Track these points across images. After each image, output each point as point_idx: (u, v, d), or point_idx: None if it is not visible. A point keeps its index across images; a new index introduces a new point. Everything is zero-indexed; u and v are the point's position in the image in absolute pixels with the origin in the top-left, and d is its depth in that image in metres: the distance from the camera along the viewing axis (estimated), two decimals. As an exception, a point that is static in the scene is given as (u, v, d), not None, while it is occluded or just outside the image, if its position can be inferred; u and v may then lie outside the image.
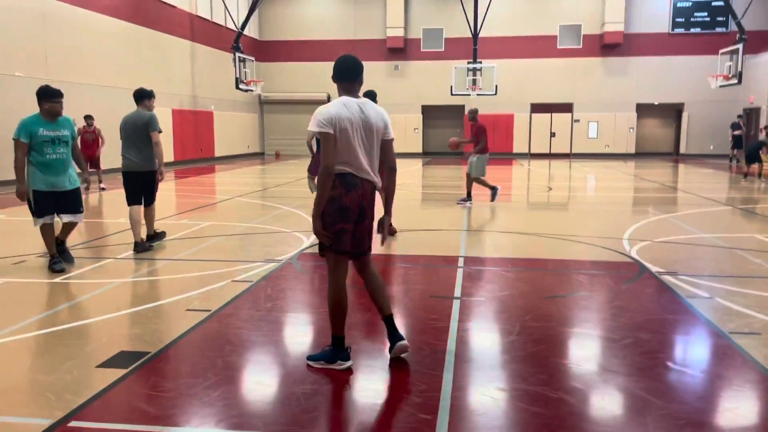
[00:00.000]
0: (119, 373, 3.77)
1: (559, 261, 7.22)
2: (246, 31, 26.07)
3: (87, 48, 18.03)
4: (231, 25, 26.94)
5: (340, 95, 3.90)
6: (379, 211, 4.09)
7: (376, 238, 4.45)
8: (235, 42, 24.39)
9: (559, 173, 21.42)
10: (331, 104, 3.80)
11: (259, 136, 32.40)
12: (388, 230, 4.13)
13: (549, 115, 30.88)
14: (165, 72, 22.66)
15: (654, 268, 6.57)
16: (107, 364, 3.92)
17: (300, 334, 4.71)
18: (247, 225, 9.64)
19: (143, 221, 7.63)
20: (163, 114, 22.30)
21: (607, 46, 29.68)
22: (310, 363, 3.94)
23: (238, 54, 24.16)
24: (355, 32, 31.19)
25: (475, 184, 12.05)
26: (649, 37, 29.71)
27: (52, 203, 6.36)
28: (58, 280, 6.07)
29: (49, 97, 6.25)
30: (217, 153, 26.72)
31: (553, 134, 31.07)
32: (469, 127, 11.79)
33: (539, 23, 30.12)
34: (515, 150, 30.94)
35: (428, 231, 9.27)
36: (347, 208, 3.76)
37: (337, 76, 3.93)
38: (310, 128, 3.74)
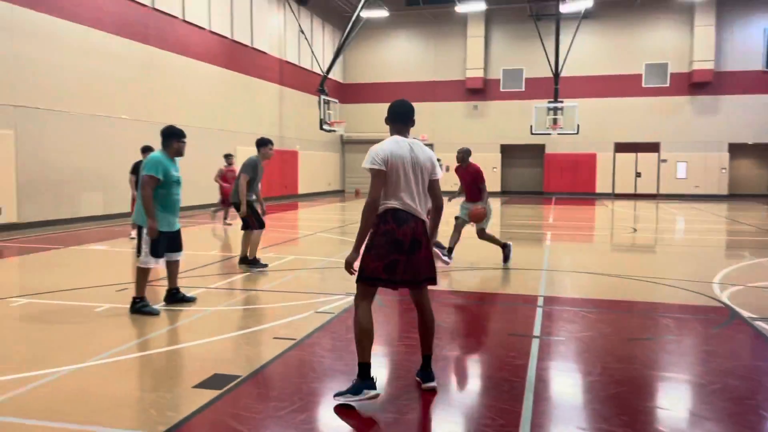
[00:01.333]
0: (213, 393, 4.03)
1: (644, 303, 7.04)
2: (331, 75, 27.15)
3: (185, 92, 19.34)
4: (317, 70, 28.13)
5: (392, 134, 4.15)
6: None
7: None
8: (320, 85, 25.44)
9: (645, 214, 20.74)
10: (384, 142, 4.03)
11: (341, 174, 33.31)
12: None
13: (634, 154, 30.08)
14: (255, 114, 23.88)
15: (746, 314, 6.30)
16: (203, 385, 4.20)
17: (378, 364, 4.86)
18: (328, 259, 9.96)
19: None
20: (251, 153, 23.40)
21: (696, 84, 28.78)
22: (338, 399, 3.92)
23: (323, 96, 25.15)
24: (434, 74, 31.80)
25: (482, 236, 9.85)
26: (742, 75, 28.59)
27: (165, 243, 6.26)
28: (156, 306, 6.51)
29: (178, 136, 6.31)
30: (301, 190, 27.67)
31: (638, 174, 30.18)
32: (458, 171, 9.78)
33: (623, 62, 29.66)
34: (598, 190, 30.26)
35: (506, 269, 9.25)
36: (400, 241, 3.91)
37: (391, 119, 4.17)
38: (364, 165, 3.98)
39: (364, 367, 3.94)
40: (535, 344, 5.26)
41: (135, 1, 16.97)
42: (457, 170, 9.83)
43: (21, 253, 10.57)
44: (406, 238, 3.93)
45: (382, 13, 28.83)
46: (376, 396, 3.92)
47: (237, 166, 12.75)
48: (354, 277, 4.04)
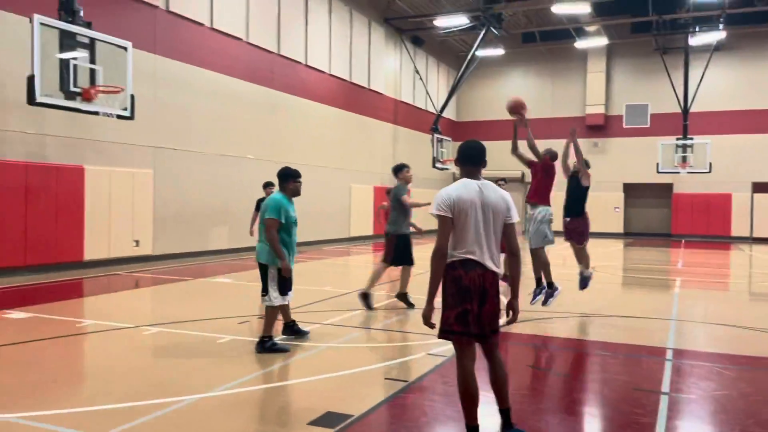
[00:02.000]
0: (327, 432, 4.06)
1: (791, 362, 6.32)
2: (444, 113, 27.39)
3: (306, 132, 20.26)
4: (431, 109, 28.51)
5: (461, 177, 3.98)
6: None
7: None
8: (433, 124, 25.72)
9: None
10: (452, 186, 3.89)
11: (453, 212, 33.21)
12: (515, 316, 3.99)
13: (774, 194, 27.58)
14: (369, 152, 24.52)
15: None
16: (317, 422, 4.24)
17: (489, 413, 4.67)
18: (441, 300, 9.84)
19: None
20: (365, 190, 23.99)
21: None
22: None
23: (436, 135, 25.39)
24: (552, 110, 31.16)
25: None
26: None
27: (290, 282, 6.41)
28: (275, 340, 6.72)
29: (294, 177, 6.46)
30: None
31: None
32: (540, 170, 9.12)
33: (762, 96, 27.53)
34: (734, 233, 27.94)
35: (630, 318, 8.69)
36: (468, 289, 3.74)
37: (461, 160, 4.00)
38: (430, 211, 3.86)
39: (472, 429, 3.79)
40: (663, 402, 4.85)
41: (262, 48, 18.13)
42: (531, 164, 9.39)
43: (154, 284, 11.38)
44: (474, 286, 3.76)
45: (497, 52, 28.85)
46: None
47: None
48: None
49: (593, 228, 26.40)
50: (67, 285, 10.87)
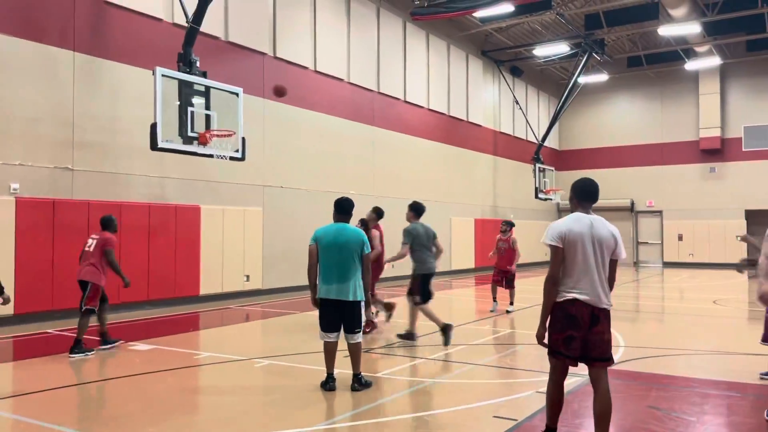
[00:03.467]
0: (434, 471, 3.98)
1: None
2: (546, 143, 26.82)
3: (406, 167, 20.51)
4: (531, 138, 28.03)
5: (573, 211, 4.33)
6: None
7: None
8: (535, 154, 25.24)
9: None
10: (564, 219, 4.25)
11: (558, 243, 32.18)
12: None
13: None
14: (469, 184, 24.38)
15: None
16: (424, 460, 4.18)
17: (611, 458, 4.40)
18: (548, 335, 9.50)
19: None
20: (466, 223, 23.79)
21: None
22: None
23: (537, 165, 24.87)
24: (662, 135, 29.69)
25: None
26: None
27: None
28: (379, 374, 6.73)
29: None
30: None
31: None
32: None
33: None
34: None
35: (758, 355, 7.97)
36: (574, 317, 4.04)
37: (577, 196, 4.34)
38: (542, 240, 4.24)
39: (548, 431, 4.29)
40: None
41: (363, 88, 18.67)
42: None
43: (264, 317, 11.80)
44: (581, 314, 4.05)
45: (601, 78, 28.05)
46: None
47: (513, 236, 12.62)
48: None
49: (713, 258, 25.25)
50: (184, 318, 11.51)
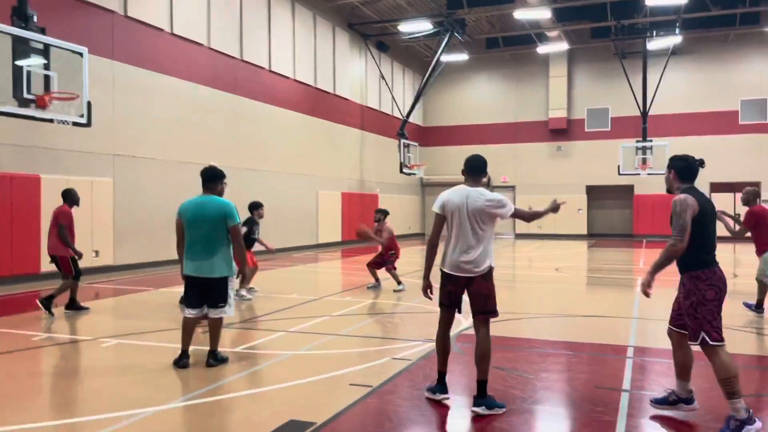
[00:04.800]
0: (287, 441, 3.98)
1: (746, 356, 6.45)
2: (411, 119, 27.48)
3: (271, 139, 20.09)
4: (397, 114, 28.59)
5: (465, 183, 4.88)
6: None
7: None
8: (400, 129, 25.78)
9: (745, 258, 19.36)
10: (446, 191, 4.85)
11: (420, 217, 33.32)
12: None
13: (732, 194, 28.35)
14: (336, 157, 24.44)
15: None
16: (279, 431, 4.17)
17: (457, 416, 4.66)
18: (407, 304, 9.84)
19: None
20: (333, 196, 23.87)
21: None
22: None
23: (403, 140, 25.44)
24: (516, 115, 31.55)
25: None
26: None
27: None
28: (238, 349, 6.61)
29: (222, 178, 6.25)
30: (381, 233, 27.83)
31: (737, 216, 28.32)
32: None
33: (717, 99, 28.35)
34: (692, 232, 28.59)
35: (593, 317, 8.80)
36: (450, 276, 4.80)
37: (467, 171, 4.91)
38: (433, 208, 4.86)
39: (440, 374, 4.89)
40: (624, 399, 4.91)
41: (225, 54, 17.93)
42: (746, 213, 9.35)
43: (115, 295, 11.12)
44: (455, 288, 4.75)
45: (462, 57, 29.08)
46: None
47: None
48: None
49: (558, 230, 27.09)
50: (22, 298, 10.54)
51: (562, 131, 30.69)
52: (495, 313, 4.68)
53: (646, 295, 4.39)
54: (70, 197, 9.02)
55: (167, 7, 15.82)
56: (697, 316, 4.19)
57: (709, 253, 4.32)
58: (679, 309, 4.48)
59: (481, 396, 4.53)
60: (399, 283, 11.35)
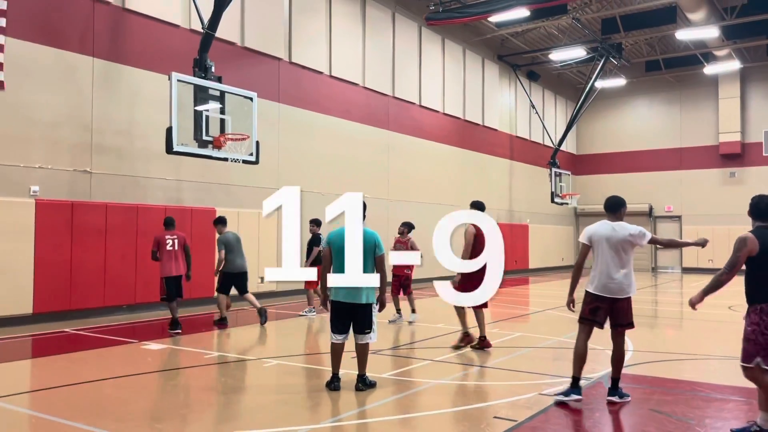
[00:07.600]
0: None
1: None
2: (563, 147, 26.74)
3: (420, 171, 20.58)
4: (548, 143, 27.95)
5: (607, 219, 5.79)
6: None
7: None
8: (551, 158, 25.17)
9: None
10: (592, 225, 5.81)
11: (574, 248, 31.99)
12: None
13: None
14: (485, 188, 24.38)
15: None
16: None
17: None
18: (557, 339, 9.52)
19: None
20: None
21: None
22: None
23: (554, 169, 24.79)
24: (680, 140, 29.42)
25: None
26: None
27: None
28: (384, 375, 6.82)
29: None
30: (531, 265, 27.14)
31: None
32: None
33: None
34: None
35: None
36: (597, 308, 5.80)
37: (607, 209, 5.79)
38: (580, 239, 5.79)
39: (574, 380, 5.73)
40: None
41: (378, 92, 18.79)
42: None
43: (277, 318, 11.94)
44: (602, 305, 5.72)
45: (619, 82, 27.88)
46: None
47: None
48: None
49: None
50: (198, 319, 11.67)
51: (736, 156, 28.05)
52: (632, 325, 5.78)
53: (693, 308, 5.44)
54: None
55: (326, 52, 16.98)
56: (758, 341, 4.71)
57: None
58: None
59: (614, 388, 5.71)
60: (413, 311, 10.58)
